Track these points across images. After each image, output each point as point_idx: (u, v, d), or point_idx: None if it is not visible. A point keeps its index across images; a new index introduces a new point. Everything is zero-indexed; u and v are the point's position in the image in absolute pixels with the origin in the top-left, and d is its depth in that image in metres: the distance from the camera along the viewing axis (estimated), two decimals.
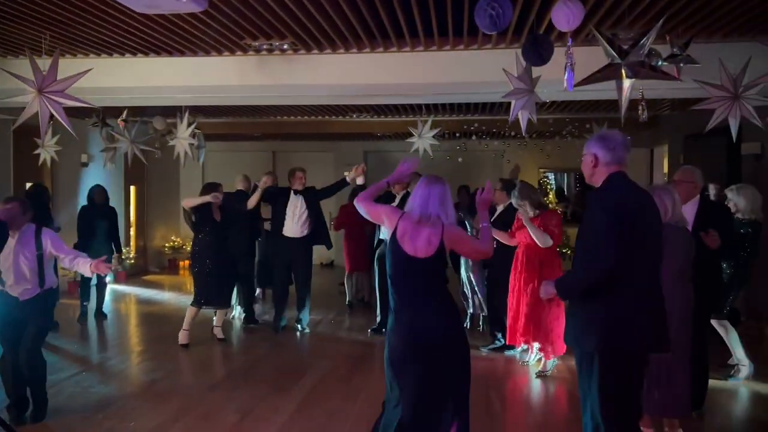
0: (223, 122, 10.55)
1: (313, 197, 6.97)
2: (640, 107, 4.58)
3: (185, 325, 6.35)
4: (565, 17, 3.84)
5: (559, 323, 5.08)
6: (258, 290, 8.22)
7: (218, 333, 6.59)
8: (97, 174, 9.75)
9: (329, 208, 12.16)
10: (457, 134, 10.72)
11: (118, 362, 5.90)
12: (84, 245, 6.69)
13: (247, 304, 7.37)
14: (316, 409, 4.54)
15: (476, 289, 6.63)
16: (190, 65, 5.93)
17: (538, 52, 4.13)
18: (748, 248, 5.01)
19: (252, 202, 6.79)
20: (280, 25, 4.93)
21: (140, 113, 8.16)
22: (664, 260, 2.93)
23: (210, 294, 6.35)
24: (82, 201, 8.08)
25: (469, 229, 6.28)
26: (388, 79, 5.82)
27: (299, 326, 6.96)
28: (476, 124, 9.70)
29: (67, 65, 5.53)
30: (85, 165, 9.85)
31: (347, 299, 8.48)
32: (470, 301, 6.78)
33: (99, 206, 7.52)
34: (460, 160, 10.54)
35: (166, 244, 12.40)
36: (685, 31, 4.81)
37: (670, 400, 3.65)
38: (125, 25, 4.90)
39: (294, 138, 12.56)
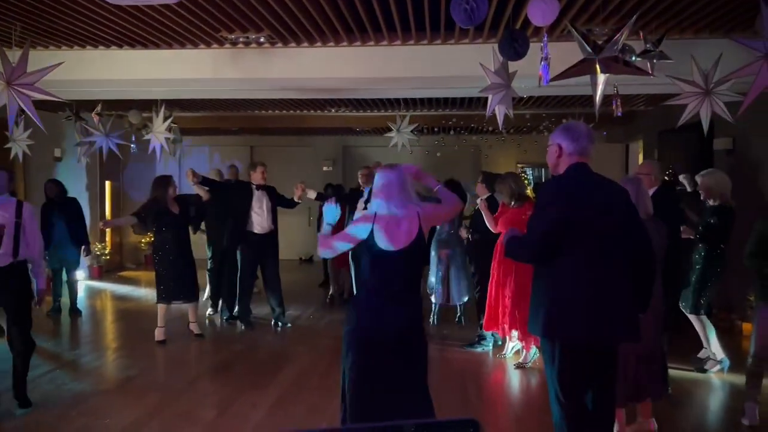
0: (200, 116, 10.45)
1: (274, 199, 6.93)
2: (614, 103, 4.64)
3: (160, 322, 6.30)
4: (540, 12, 3.88)
5: None
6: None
7: (194, 329, 6.54)
8: (71, 169, 9.60)
9: (308, 203, 12.18)
10: (436, 129, 10.77)
11: (92, 359, 5.82)
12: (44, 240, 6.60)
13: (230, 300, 7.31)
14: (294, 404, 4.54)
15: (457, 274, 6.66)
16: (165, 58, 5.86)
17: (513, 47, 4.16)
18: (722, 236, 5.05)
19: (203, 195, 6.65)
20: (256, 18, 4.89)
21: (115, 107, 8.05)
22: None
23: (173, 289, 6.27)
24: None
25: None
26: (366, 73, 5.81)
27: (279, 322, 6.95)
28: (454, 119, 9.74)
29: (39, 57, 5.44)
30: (59, 159, 9.68)
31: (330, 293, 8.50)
32: (440, 291, 6.77)
33: (55, 201, 7.37)
34: (438, 155, 10.59)
35: (143, 240, 12.25)
36: (658, 28, 4.89)
37: (643, 385, 3.71)
38: (98, 17, 4.83)
39: (272, 133, 12.48)
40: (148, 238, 12.17)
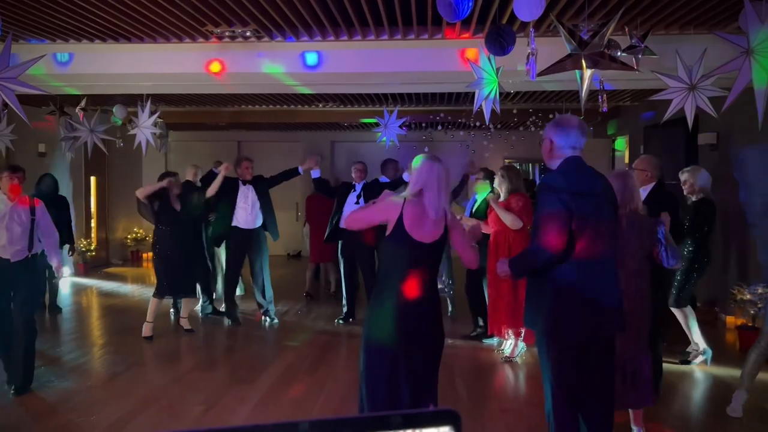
0: (186, 111, 10.37)
1: (263, 187, 6.91)
2: (600, 98, 4.67)
3: (149, 318, 6.27)
4: (526, 8, 3.88)
5: None
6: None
7: (185, 324, 6.52)
8: (55, 164, 9.50)
9: (296, 198, 12.16)
10: (423, 124, 10.77)
11: (78, 356, 5.78)
12: None
13: (210, 295, 7.30)
14: (281, 400, 4.54)
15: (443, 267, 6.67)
16: (149, 52, 5.81)
17: (499, 42, 4.17)
18: (706, 230, 5.16)
19: (212, 189, 6.61)
20: (242, 12, 4.86)
21: (100, 102, 7.97)
22: (619, 247, 3.00)
23: (172, 284, 6.28)
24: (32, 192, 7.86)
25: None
26: (353, 68, 5.80)
27: (267, 317, 6.94)
28: (442, 115, 9.75)
29: (21, 51, 5.37)
30: (43, 155, 9.58)
31: (305, 290, 8.46)
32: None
33: (48, 196, 7.29)
34: (426, 150, 10.59)
35: (129, 236, 12.18)
36: (644, 23, 4.92)
37: (634, 392, 3.60)
38: (82, 10, 4.78)
39: (259, 128, 12.42)
40: (134, 234, 12.12)
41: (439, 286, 6.69)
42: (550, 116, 8.66)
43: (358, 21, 5.15)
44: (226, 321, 6.88)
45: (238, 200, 6.77)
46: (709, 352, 5.25)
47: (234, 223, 6.77)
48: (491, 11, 4.77)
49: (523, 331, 5.34)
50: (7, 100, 4.37)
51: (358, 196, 6.75)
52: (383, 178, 6.98)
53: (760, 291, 5.58)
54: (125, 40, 5.70)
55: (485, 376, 5.26)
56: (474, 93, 4.89)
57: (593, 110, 8.65)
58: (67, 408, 4.35)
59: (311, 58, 5.75)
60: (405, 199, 3.06)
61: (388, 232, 3.04)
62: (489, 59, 4.68)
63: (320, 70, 5.79)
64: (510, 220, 5.21)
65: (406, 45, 5.65)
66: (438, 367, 3.15)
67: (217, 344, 6.19)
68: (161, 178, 6.40)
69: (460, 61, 5.48)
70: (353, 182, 6.89)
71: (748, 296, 5.66)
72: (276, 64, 5.80)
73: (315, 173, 6.77)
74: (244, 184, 6.81)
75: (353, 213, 3.23)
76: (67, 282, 9.50)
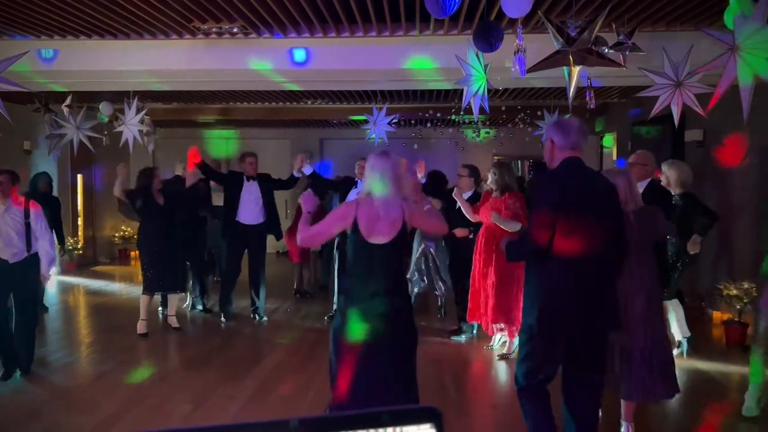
0: (174, 108, 10.29)
1: (268, 186, 6.87)
2: (588, 94, 4.68)
3: (142, 315, 6.24)
4: (514, 5, 3.88)
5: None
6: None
7: (173, 322, 6.48)
8: (41, 162, 9.40)
9: (285, 196, 12.10)
10: (413, 121, 10.75)
11: (64, 355, 5.72)
12: None
13: (200, 292, 7.26)
14: (270, 397, 4.52)
15: (439, 267, 6.65)
16: (136, 48, 5.75)
17: (487, 38, 4.17)
18: (689, 223, 5.22)
19: (189, 180, 6.47)
20: (229, 8, 4.83)
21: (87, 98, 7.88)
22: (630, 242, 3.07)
23: (160, 279, 6.25)
24: (25, 189, 7.77)
25: None
26: (341, 65, 5.78)
27: (257, 315, 6.91)
28: (431, 111, 9.75)
29: (5, 47, 5.31)
30: (29, 152, 9.48)
31: (294, 288, 8.44)
32: (421, 283, 6.78)
33: (42, 195, 7.24)
34: (415, 146, 10.58)
35: (116, 234, 12.08)
36: (631, 20, 4.94)
37: (663, 383, 3.56)
38: (67, 6, 4.72)
39: (248, 125, 12.36)
40: (122, 232, 12.03)
41: (441, 290, 6.69)
42: (539, 113, 8.70)
43: (346, 17, 5.14)
44: (222, 318, 6.84)
45: (242, 195, 6.73)
46: (685, 345, 5.31)
47: (237, 218, 6.74)
48: (479, 8, 4.76)
49: (514, 328, 5.35)
50: None
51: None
52: None
53: (746, 286, 5.64)
54: (111, 36, 5.64)
55: (478, 373, 5.28)
56: (462, 90, 4.89)
57: (581, 107, 8.68)
58: (55, 407, 4.31)
59: (299, 55, 5.73)
60: (357, 201, 3.06)
61: (348, 234, 3.08)
62: (477, 56, 4.68)
63: (308, 66, 5.77)
64: (510, 227, 5.11)
65: (393, 42, 5.64)
66: (411, 363, 3.12)
67: (205, 342, 6.16)
68: (140, 175, 6.34)
69: (448, 58, 5.47)
70: (356, 178, 6.81)
71: (735, 292, 5.71)
72: (264, 61, 5.77)
73: (307, 170, 6.72)
74: (248, 180, 6.77)
75: (308, 230, 3.11)
76: (53, 281, 9.41)
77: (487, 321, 5.47)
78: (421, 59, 5.64)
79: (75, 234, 10.84)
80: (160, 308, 7.03)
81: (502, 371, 5.22)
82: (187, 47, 5.73)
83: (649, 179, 4.93)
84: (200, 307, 7.27)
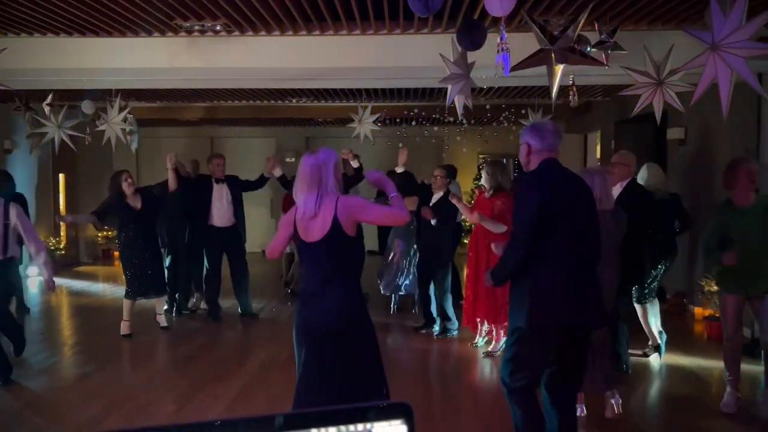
0: (158, 106, 10.21)
1: (237, 188, 6.83)
2: (571, 93, 4.71)
3: (125, 316, 6.18)
4: (498, 3, 3.89)
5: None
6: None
7: (161, 321, 6.44)
8: (22, 161, 9.28)
9: (270, 195, 12.06)
10: (398, 120, 10.76)
11: (46, 357, 5.66)
12: None
13: (184, 293, 7.22)
14: (255, 397, 4.51)
15: (402, 266, 6.70)
16: (117, 46, 5.68)
17: (470, 37, 4.18)
18: (667, 224, 5.27)
19: (171, 183, 6.38)
20: (211, 6, 4.79)
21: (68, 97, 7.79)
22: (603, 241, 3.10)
23: (142, 285, 6.17)
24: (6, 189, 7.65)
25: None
26: (325, 63, 5.76)
27: (247, 315, 6.90)
28: (416, 110, 9.76)
29: None
30: (9, 152, 9.35)
31: (284, 280, 8.46)
32: (387, 282, 6.82)
33: (6, 196, 7.09)
34: (401, 145, 10.57)
35: (99, 234, 11.96)
36: (613, 19, 4.97)
37: (592, 379, 3.73)
38: (46, 2, 4.66)
39: (233, 123, 12.29)
40: (105, 233, 11.91)
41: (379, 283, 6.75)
42: (523, 111, 8.74)
43: (330, 16, 5.12)
44: (210, 317, 6.82)
45: (213, 199, 6.69)
46: (662, 346, 5.29)
47: (210, 222, 6.70)
48: (462, 6, 4.77)
49: (504, 326, 5.38)
50: None
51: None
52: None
53: None
54: (92, 34, 5.57)
55: (462, 371, 5.29)
56: (447, 88, 4.89)
57: (564, 105, 8.75)
58: (36, 410, 4.27)
59: (283, 53, 5.70)
60: (297, 205, 3.08)
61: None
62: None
63: (292, 64, 5.75)
64: (494, 228, 5.16)
65: (378, 39, 5.63)
66: (369, 360, 3.08)
67: (191, 342, 6.11)
68: (113, 179, 6.22)
69: (432, 56, 5.48)
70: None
71: (716, 288, 5.77)
72: (247, 59, 5.74)
73: (277, 172, 6.60)
74: (217, 182, 6.72)
75: (270, 246, 3.28)
76: (35, 281, 9.31)
77: (474, 318, 5.51)
78: (406, 57, 5.64)
79: (57, 234, 10.71)
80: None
81: (488, 368, 5.25)
82: (170, 45, 5.68)
83: (630, 179, 4.96)
84: (187, 311, 7.21)
